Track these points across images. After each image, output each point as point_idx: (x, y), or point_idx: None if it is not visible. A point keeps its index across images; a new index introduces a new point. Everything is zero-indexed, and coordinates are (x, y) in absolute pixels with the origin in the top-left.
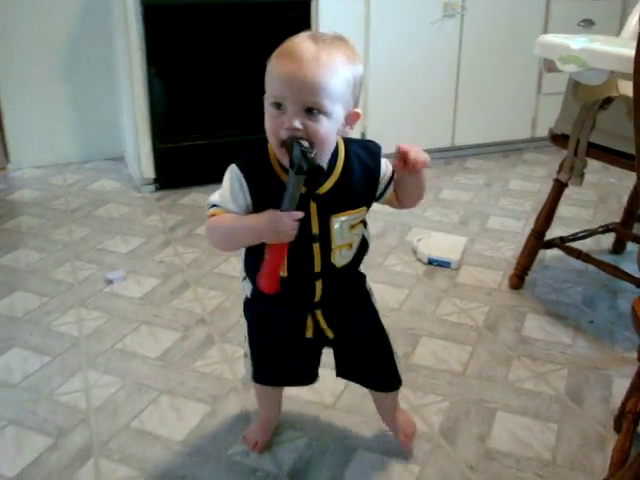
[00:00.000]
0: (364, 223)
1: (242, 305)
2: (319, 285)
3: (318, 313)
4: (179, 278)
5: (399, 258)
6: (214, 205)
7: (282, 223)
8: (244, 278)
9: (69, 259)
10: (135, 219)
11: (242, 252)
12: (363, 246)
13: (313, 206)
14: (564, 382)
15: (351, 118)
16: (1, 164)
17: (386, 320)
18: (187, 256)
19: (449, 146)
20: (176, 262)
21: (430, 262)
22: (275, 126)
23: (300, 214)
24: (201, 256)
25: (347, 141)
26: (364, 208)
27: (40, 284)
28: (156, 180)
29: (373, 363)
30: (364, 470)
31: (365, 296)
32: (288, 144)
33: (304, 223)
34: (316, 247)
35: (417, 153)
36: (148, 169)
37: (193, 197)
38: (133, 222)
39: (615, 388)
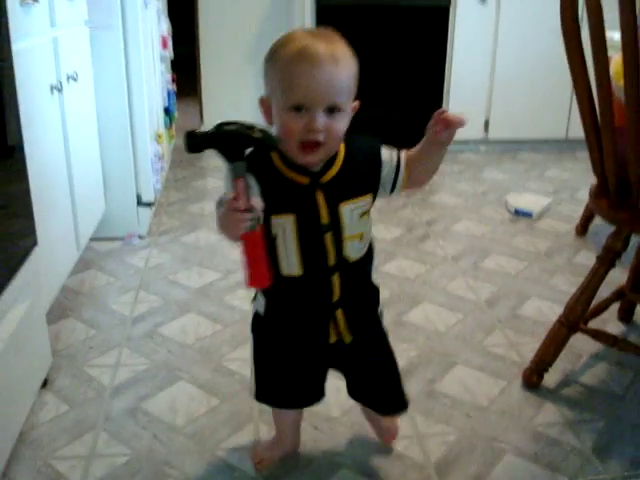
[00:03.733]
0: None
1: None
2: (336, 280)
3: (339, 313)
4: None
5: (492, 208)
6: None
7: (226, 214)
8: (255, 297)
9: None
10: None
11: None
12: (371, 245)
13: (320, 195)
14: None
15: (353, 109)
16: (197, 124)
17: (467, 242)
18: None
19: (563, 138)
20: None
21: (516, 212)
22: (295, 128)
23: (231, 196)
24: None
25: (346, 134)
26: (370, 195)
27: None
28: None
29: (381, 384)
30: (511, 474)
31: (377, 312)
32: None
33: (313, 214)
34: (328, 237)
35: (454, 114)
36: None
37: None
38: None
39: None
